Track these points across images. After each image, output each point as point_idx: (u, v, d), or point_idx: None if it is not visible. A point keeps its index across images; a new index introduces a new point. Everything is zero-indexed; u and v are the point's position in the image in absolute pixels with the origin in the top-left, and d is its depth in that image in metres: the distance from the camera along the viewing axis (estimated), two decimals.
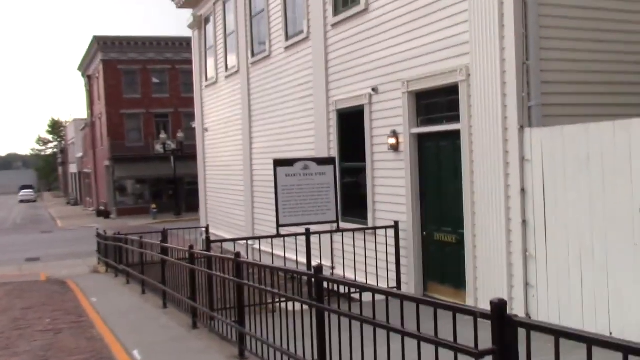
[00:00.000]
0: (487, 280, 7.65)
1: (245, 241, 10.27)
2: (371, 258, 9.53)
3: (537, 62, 7.16)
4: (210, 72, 19.76)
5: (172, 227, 20.12)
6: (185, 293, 8.61)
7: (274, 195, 10.05)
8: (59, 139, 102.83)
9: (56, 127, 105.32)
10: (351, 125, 11.02)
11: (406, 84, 9.15)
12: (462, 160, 8.06)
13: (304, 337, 5.18)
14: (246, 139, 16.17)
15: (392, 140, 9.50)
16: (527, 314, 7.08)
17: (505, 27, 7.24)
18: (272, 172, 10.65)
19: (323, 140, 11.82)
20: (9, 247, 28.18)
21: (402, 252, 9.35)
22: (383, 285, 9.39)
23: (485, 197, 7.64)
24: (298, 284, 7.78)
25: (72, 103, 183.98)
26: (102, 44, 46.56)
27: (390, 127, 9.61)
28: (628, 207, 5.84)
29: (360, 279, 9.58)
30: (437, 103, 8.85)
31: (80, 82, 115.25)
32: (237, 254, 6.36)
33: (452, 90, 8.30)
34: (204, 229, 18.58)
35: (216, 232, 18.85)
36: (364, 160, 10.42)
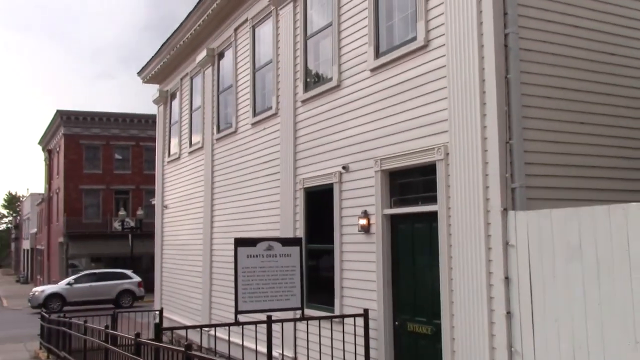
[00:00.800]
0: None
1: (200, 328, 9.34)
2: (338, 349, 8.72)
3: (520, 141, 6.76)
4: (174, 148, 19.19)
5: (126, 308, 18.95)
6: None
7: (233, 278, 9.26)
8: (14, 214, 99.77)
9: (12, 202, 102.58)
10: (319, 204, 10.43)
11: (379, 162, 8.67)
12: (439, 244, 7.48)
13: None
14: (207, 217, 15.42)
15: (363, 221, 8.91)
16: None
17: (487, 105, 6.87)
18: (232, 253, 9.91)
19: (288, 220, 11.18)
20: None
21: (372, 343, 8.57)
22: None
23: (464, 285, 7.02)
24: None
25: (30, 177, 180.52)
26: (65, 119, 45.87)
27: (361, 207, 9.05)
28: (627, 298, 5.28)
29: None
30: (412, 183, 8.36)
31: (39, 156, 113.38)
32: (188, 346, 5.54)
33: (428, 170, 7.83)
34: (157, 312, 17.41)
35: (171, 316, 17.68)
36: (332, 242, 9.77)
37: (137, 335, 7.40)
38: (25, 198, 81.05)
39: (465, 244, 7.03)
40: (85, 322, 11.36)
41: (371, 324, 8.57)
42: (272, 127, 12.24)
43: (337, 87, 9.90)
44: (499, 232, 6.60)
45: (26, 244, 72.06)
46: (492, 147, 6.77)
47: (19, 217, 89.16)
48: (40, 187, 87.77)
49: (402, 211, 8.43)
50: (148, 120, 45.52)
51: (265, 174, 12.35)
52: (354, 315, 8.65)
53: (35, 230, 64.12)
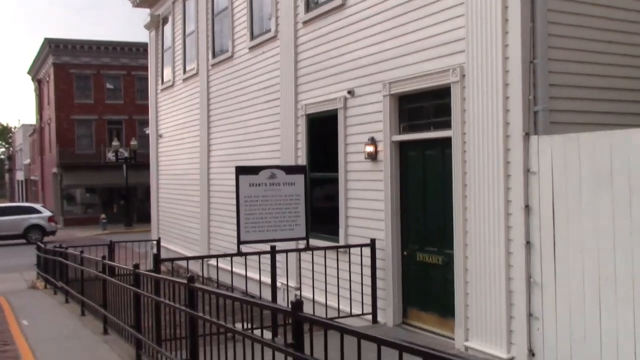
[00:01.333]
0: (480, 309, 6.66)
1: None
2: (344, 280, 8.48)
3: (544, 61, 6.26)
4: (167, 75, 18.50)
5: (122, 239, 18.73)
6: (129, 319, 7.37)
7: (232, 208, 8.94)
8: (6, 145, 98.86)
9: (4, 133, 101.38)
10: (323, 131, 9.98)
11: (387, 86, 8.17)
12: (452, 172, 7.10)
13: None
14: (204, 146, 14.96)
15: (370, 149, 8.49)
16: (531, 350, 6.12)
17: (509, 22, 6.33)
18: (231, 182, 9.54)
19: (290, 148, 10.74)
20: None
21: (379, 273, 8.32)
22: (357, 311, 8.35)
23: (480, 214, 6.68)
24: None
25: (22, 108, 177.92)
26: (53, 47, 44.47)
27: (367, 133, 8.61)
28: None
29: (332, 302, 8.53)
30: (423, 107, 7.89)
31: (30, 86, 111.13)
32: (190, 278, 5.21)
33: (442, 93, 7.36)
34: (155, 242, 17.23)
35: (168, 245, 17.51)
36: (336, 170, 9.38)
37: (136, 266, 7.08)
38: (17, 129, 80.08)
39: (482, 172, 6.64)
40: (82, 252, 11.08)
41: (378, 254, 8.30)
42: (271, 51, 11.63)
43: (342, 5, 9.26)
44: (520, 158, 6.20)
45: (20, 175, 71.67)
46: (515, 67, 6.28)
47: (11, 149, 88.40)
48: (31, 118, 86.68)
49: (412, 137, 8.00)
50: (139, 49, 44.23)
51: (264, 101, 11.83)
52: (361, 245, 8.36)
53: (28, 161, 63.58)
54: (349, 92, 9.03)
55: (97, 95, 45.47)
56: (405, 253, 8.14)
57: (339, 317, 8.02)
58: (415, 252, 7.99)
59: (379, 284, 8.31)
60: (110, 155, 40.44)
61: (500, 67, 6.41)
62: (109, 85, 45.97)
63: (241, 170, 8.31)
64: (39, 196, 54.51)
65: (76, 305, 11.22)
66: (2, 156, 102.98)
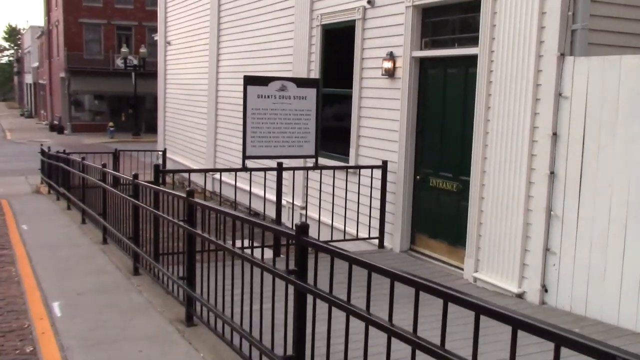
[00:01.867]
0: (494, 240, 6.34)
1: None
2: (352, 202, 8.15)
3: None
4: None
5: (129, 148, 18.50)
6: (127, 231, 7.11)
7: (240, 121, 8.49)
8: (15, 47, 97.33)
9: (13, 34, 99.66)
10: (338, 44, 9.40)
11: None
12: (476, 93, 6.59)
13: (274, 306, 3.78)
14: (213, 55, 14.35)
15: (388, 64, 7.95)
16: (544, 286, 5.83)
17: None
18: (240, 95, 9.04)
19: (302, 61, 10.17)
20: None
21: (388, 197, 7.98)
22: (363, 234, 8.07)
23: (502, 140, 6.23)
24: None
25: (30, 8, 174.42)
26: None
27: (386, 48, 8.04)
28: None
29: (338, 224, 8.25)
30: (449, 21, 7.29)
31: None
32: (190, 192, 4.85)
33: (471, 6, 6.75)
34: (160, 153, 16.93)
35: (174, 157, 17.21)
36: (350, 86, 8.86)
37: (135, 176, 6.74)
38: (25, 30, 78.56)
39: (508, 94, 6.14)
40: (83, 159, 10.76)
41: (389, 176, 7.92)
42: None
43: None
44: (552, 80, 5.68)
45: (28, 78, 70.91)
46: None
47: (20, 51, 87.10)
48: (40, 20, 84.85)
49: (434, 54, 7.44)
50: None
51: (278, 9, 11.14)
52: (372, 167, 7.98)
53: (36, 64, 62.68)
54: (369, 2, 8.38)
55: None
56: (417, 177, 7.76)
57: (344, 239, 7.75)
58: (429, 177, 7.60)
59: (388, 207, 7.98)
60: (119, 62, 39.60)
61: None
62: None
63: (250, 80, 7.81)
64: (47, 101, 54.06)
65: (77, 213, 11.03)
66: (11, 58, 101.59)
